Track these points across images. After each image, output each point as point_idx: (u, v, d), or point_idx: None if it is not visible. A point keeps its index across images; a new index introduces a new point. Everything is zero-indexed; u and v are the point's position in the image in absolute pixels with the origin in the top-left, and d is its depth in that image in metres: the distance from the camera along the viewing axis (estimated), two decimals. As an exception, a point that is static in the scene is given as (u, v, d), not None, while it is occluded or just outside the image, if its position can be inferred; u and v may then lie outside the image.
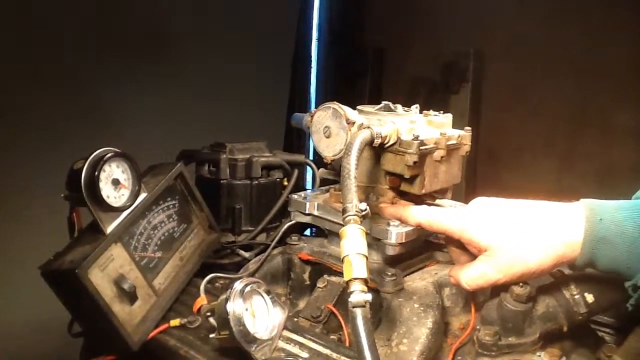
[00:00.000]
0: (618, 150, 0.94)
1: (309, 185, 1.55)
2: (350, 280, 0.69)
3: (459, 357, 0.82)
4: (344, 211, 0.76)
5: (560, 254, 0.74)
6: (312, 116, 0.96)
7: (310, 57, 2.65)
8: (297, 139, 2.31)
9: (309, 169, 1.27)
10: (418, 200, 0.96)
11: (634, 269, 0.71)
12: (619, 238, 0.71)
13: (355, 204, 0.76)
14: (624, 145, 1.01)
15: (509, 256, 0.75)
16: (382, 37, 2.66)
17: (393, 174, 0.93)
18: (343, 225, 0.75)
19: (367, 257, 0.72)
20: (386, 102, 0.99)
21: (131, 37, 1.80)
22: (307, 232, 1.31)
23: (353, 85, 2.68)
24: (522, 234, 0.75)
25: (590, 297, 0.82)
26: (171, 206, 1.00)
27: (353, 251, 0.71)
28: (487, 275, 0.76)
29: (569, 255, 0.74)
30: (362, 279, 0.69)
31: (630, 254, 0.71)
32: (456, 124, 1.03)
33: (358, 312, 0.66)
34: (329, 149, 0.95)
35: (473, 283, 0.78)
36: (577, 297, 0.82)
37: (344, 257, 0.71)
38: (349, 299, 0.68)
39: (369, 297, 0.68)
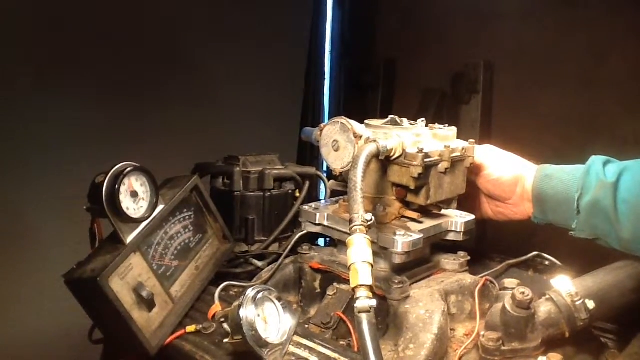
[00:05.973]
0: (629, 159, 0.96)
1: (323, 196, 1.58)
2: (356, 287, 0.72)
3: (464, 362, 0.85)
4: (350, 221, 0.79)
5: (517, 174, 1.05)
6: (321, 130, 1.00)
7: (324, 70, 2.68)
8: (310, 151, 2.34)
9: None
10: (423, 210, 1.00)
11: (572, 196, 0.97)
12: (559, 173, 1.00)
13: (361, 214, 0.79)
14: (635, 154, 1.02)
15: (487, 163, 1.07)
16: (393, 50, 2.68)
17: (399, 186, 0.97)
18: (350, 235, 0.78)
19: (372, 265, 0.75)
20: (393, 116, 1.03)
21: (147, 55, 1.85)
22: (322, 242, 1.34)
23: (365, 97, 2.71)
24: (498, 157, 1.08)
25: (591, 304, 0.85)
26: (187, 217, 1.04)
27: (359, 259, 0.74)
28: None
29: (523, 187, 1.04)
30: (367, 285, 0.72)
31: (568, 183, 0.98)
32: (467, 135, 1.06)
33: (364, 317, 0.70)
34: (337, 162, 0.98)
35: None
36: (578, 303, 0.84)
37: (351, 265, 0.75)
38: (355, 305, 0.71)
39: (373, 302, 0.71)
